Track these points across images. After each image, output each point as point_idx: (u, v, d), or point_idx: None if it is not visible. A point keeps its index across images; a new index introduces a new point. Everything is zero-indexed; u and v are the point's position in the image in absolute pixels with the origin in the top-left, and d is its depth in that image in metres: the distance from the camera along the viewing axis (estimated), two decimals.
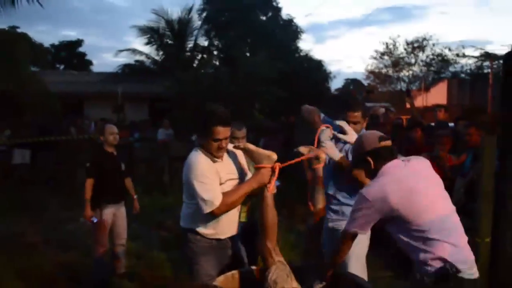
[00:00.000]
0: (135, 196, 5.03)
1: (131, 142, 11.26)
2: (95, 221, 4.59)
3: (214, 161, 2.80)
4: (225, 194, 2.70)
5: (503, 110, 4.07)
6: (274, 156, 2.77)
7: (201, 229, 2.84)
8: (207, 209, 2.66)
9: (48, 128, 10.59)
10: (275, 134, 9.65)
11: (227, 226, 2.88)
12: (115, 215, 4.71)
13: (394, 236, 2.39)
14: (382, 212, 2.29)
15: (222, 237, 2.89)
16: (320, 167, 2.86)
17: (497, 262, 3.85)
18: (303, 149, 2.89)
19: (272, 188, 2.71)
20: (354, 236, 2.43)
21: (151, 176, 9.79)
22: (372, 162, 2.42)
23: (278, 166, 2.74)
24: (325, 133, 3.10)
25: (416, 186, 2.30)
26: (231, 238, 2.95)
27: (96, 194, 4.60)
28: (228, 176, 2.84)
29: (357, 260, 3.17)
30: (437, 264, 2.24)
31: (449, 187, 4.65)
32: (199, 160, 2.76)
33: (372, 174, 2.43)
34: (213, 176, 2.74)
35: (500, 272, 3.86)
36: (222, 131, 2.72)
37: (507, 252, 3.83)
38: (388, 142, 2.45)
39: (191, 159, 2.78)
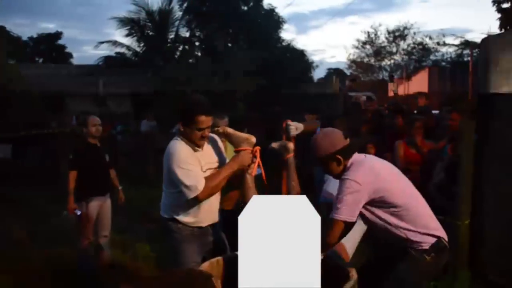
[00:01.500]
0: (120, 187, 5.01)
1: (114, 135, 11.18)
2: (78, 213, 4.55)
3: (195, 150, 2.84)
4: (207, 178, 2.74)
5: None
6: (253, 139, 2.83)
7: (182, 218, 2.88)
8: (191, 195, 2.68)
9: (29, 122, 10.44)
10: (258, 125, 9.66)
11: (208, 214, 2.93)
12: (101, 207, 4.69)
13: (380, 228, 2.47)
14: (372, 194, 2.36)
15: (203, 224, 2.93)
16: (290, 157, 2.90)
17: (476, 243, 3.95)
18: (275, 144, 2.94)
19: (253, 171, 2.76)
20: (342, 226, 2.38)
21: (135, 169, 9.73)
22: (342, 159, 2.49)
23: (258, 149, 2.81)
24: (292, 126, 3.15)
25: (390, 170, 2.52)
26: (212, 225, 3.00)
27: (81, 187, 4.56)
28: (208, 165, 2.88)
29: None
30: (432, 240, 2.40)
31: (428, 171, 4.76)
32: (180, 148, 2.79)
33: (342, 169, 2.51)
34: (195, 163, 2.77)
35: (479, 252, 3.96)
36: (205, 120, 2.75)
37: (486, 233, 3.93)
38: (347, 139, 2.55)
39: (172, 148, 2.80)
